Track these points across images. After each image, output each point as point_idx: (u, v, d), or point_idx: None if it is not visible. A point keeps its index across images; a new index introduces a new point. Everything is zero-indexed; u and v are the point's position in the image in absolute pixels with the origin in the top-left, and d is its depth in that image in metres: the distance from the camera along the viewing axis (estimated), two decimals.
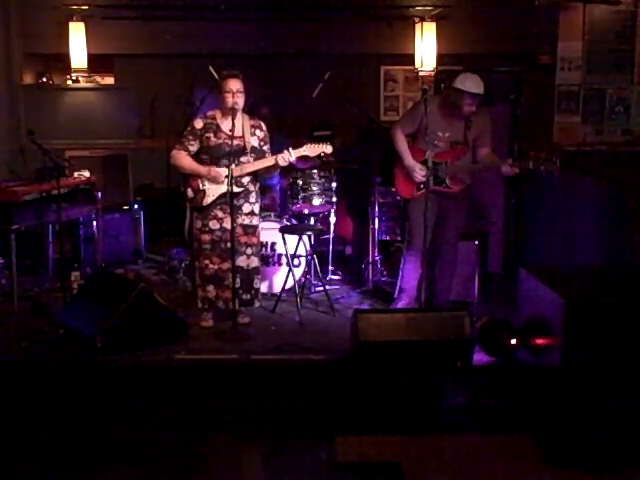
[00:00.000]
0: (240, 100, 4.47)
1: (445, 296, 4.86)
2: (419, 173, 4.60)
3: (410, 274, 4.80)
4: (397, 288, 4.96)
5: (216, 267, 4.60)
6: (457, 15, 6.90)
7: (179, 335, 4.38)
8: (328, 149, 4.62)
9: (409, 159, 4.67)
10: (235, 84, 4.46)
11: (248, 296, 4.68)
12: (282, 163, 4.52)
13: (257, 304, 4.77)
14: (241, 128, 4.51)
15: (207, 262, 4.60)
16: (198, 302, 4.69)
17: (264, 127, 4.72)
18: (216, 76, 5.38)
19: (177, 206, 5.79)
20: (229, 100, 4.45)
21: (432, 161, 4.40)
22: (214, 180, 4.51)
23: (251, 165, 4.55)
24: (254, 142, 4.61)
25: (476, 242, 5.11)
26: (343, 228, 6.36)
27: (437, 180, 4.62)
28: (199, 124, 4.58)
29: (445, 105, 4.63)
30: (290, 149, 4.50)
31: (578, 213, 4.97)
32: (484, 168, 4.74)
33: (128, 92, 6.81)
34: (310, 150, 4.57)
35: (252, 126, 4.64)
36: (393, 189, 5.30)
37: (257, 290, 4.74)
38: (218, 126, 4.56)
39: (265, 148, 4.69)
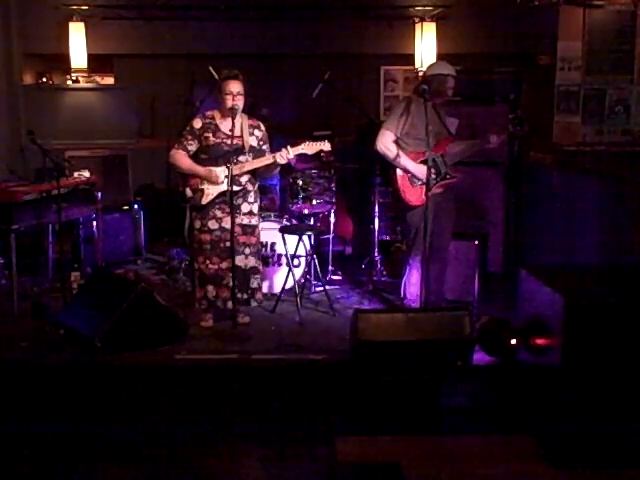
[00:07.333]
0: (240, 102, 4.47)
1: (442, 297, 4.82)
2: (428, 173, 4.56)
3: (418, 284, 4.55)
4: (408, 302, 4.77)
5: (216, 267, 4.60)
6: (457, 15, 6.90)
7: (179, 335, 4.38)
8: (326, 147, 4.61)
9: (412, 163, 4.59)
10: (235, 86, 4.46)
11: (245, 295, 4.68)
12: (280, 161, 4.52)
13: (254, 304, 4.77)
14: (240, 128, 4.51)
15: (208, 262, 4.60)
16: (198, 302, 4.69)
17: (263, 127, 4.73)
18: (216, 76, 5.38)
19: (177, 206, 5.81)
20: (229, 102, 4.45)
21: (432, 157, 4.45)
22: (212, 181, 4.52)
23: (250, 163, 4.55)
24: (253, 142, 4.61)
25: (476, 242, 5.11)
26: (343, 228, 6.37)
27: (440, 175, 4.62)
28: (198, 124, 4.58)
29: (421, 101, 4.53)
30: (288, 147, 4.51)
31: (578, 213, 4.97)
32: (474, 146, 4.72)
33: (128, 92, 6.80)
34: (308, 148, 4.56)
35: (251, 126, 4.64)
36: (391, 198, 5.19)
37: (254, 290, 4.74)
38: (217, 126, 4.57)
39: (264, 147, 4.69)
